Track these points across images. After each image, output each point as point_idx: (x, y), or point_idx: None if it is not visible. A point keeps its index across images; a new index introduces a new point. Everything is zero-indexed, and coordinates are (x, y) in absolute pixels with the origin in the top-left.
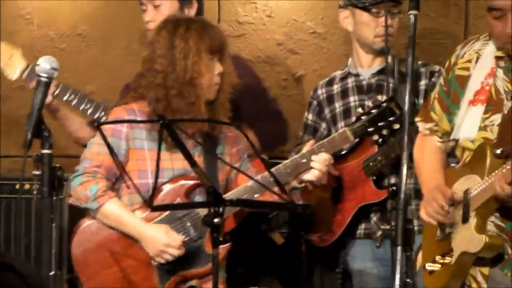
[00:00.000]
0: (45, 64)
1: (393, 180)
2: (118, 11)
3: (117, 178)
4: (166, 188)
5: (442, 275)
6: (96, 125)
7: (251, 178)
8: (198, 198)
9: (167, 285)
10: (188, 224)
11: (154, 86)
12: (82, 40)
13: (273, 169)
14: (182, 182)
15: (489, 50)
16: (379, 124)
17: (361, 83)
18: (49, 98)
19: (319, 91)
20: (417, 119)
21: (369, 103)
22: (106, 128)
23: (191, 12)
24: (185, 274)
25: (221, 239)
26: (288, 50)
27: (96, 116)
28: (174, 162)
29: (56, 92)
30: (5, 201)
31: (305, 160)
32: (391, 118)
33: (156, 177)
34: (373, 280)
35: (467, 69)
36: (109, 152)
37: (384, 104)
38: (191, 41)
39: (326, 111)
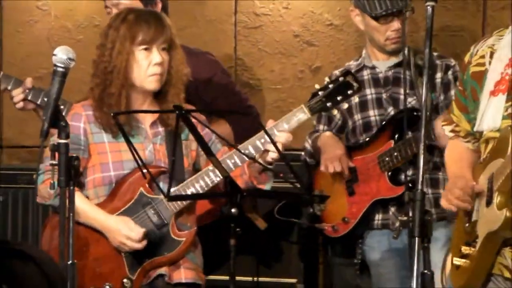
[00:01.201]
0: (61, 54)
1: (409, 176)
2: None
3: (80, 173)
4: (129, 179)
5: (468, 267)
6: (112, 116)
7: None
8: (162, 185)
9: (137, 273)
10: (152, 212)
11: (91, 77)
12: (99, 31)
13: (232, 151)
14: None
15: (506, 42)
16: (337, 98)
17: (377, 75)
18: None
19: None
20: (442, 123)
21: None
22: None
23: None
24: (154, 261)
25: (238, 229)
26: (305, 42)
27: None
28: None
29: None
30: (23, 191)
31: (263, 140)
32: (349, 92)
33: (173, 167)
34: (390, 270)
35: (482, 64)
36: (126, 143)
37: (341, 78)
38: (121, 30)
39: None
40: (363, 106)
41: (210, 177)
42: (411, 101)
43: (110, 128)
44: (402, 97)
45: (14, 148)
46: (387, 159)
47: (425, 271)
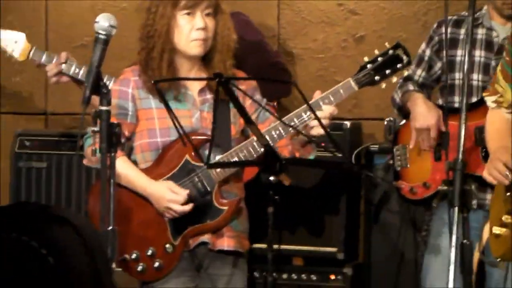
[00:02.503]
0: (103, 21)
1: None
2: None
3: (128, 137)
4: (176, 145)
5: (509, 236)
6: (153, 83)
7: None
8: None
9: (179, 239)
10: (196, 179)
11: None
12: None
13: (277, 122)
14: (191, 138)
15: None
16: (386, 71)
17: (492, 39)
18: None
19: (444, 29)
20: (484, 94)
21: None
22: (113, 90)
23: None
24: (197, 228)
25: (277, 197)
26: (349, 10)
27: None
28: (181, 119)
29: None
30: (66, 157)
31: (309, 113)
32: (399, 65)
33: (213, 135)
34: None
35: None
36: (167, 110)
37: (391, 51)
38: None
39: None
40: (468, 66)
41: (255, 146)
42: None
43: (156, 93)
44: None
45: (58, 115)
46: (484, 134)
47: (464, 241)
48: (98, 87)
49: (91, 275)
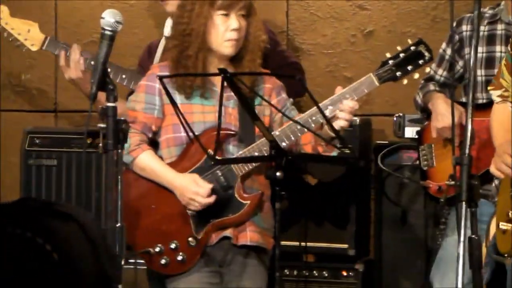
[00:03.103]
0: (109, 17)
1: None
2: None
3: (155, 132)
4: (200, 140)
5: None
6: (159, 79)
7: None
8: (232, 148)
9: (202, 233)
10: (219, 173)
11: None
12: None
13: (298, 117)
14: (213, 134)
15: None
16: (408, 67)
17: (511, 34)
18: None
19: (464, 27)
20: (489, 88)
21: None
22: (141, 85)
23: None
24: (219, 223)
25: (283, 192)
26: (357, 5)
27: (131, 86)
28: (206, 115)
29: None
30: (76, 155)
31: (331, 108)
32: (420, 61)
33: (219, 127)
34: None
35: None
36: (173, 107)
37: (413, 47)
38: None
39: (467, 50)
40: (490, 62)
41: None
42: None
43: (184, 89)
44: None
45: (68, 112)
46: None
47: (473, 236)
48: (104, 84)
49: (96, 271)
